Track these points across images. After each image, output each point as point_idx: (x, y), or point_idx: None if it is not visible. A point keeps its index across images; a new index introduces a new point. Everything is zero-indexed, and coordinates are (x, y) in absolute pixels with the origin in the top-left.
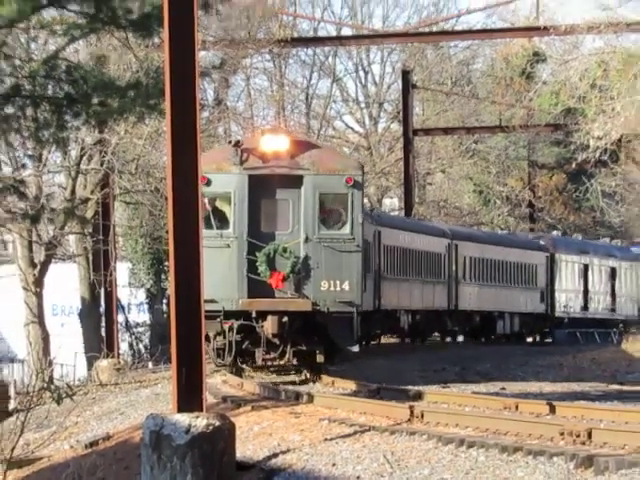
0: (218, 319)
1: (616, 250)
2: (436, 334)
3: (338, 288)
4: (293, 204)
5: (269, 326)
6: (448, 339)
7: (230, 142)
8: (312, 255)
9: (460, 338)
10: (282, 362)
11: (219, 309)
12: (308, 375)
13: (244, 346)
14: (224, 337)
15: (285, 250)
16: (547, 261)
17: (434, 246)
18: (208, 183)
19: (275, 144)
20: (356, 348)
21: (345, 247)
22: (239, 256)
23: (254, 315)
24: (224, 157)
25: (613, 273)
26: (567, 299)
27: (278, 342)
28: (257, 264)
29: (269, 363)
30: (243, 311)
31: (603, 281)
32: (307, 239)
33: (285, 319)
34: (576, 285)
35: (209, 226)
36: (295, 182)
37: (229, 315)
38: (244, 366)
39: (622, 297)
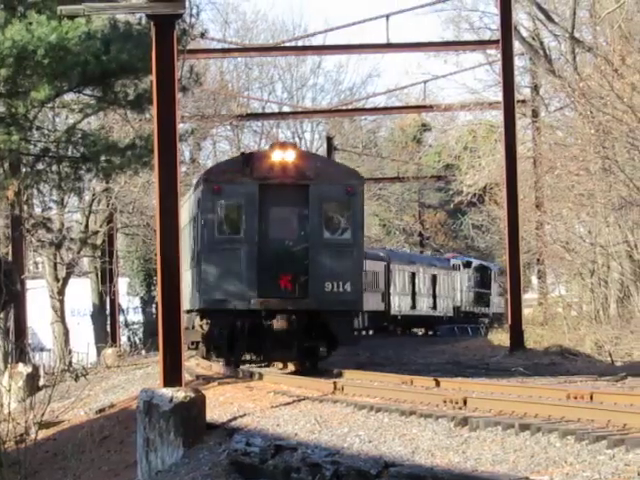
0: (230, 317)
1: (436, 261)
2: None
3: (341, 289)
4: (299, 212)
5: (279, 324)
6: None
7: (242, 154)
8: (317, 259)
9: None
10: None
11: (232, 308)
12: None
13: (254, 342)
14: (236, 334)
15: (293, 254)
16: (385, 269)
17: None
18: (221, 192)
19: (283, 156)
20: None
21: (347, 251)
22: (250, 260)
23: (264, 314)
24: (235, 168)
25: (434, 279)
26: (399, 300)
27: (286, 339)
28: (266, 267)
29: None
30: (254, 310)
31: (426, 285)
32: (312, 244)
33: (293, 318)
34: (406, 289)
35: (222, 232)
36: (301, 191)
37: (240, 314)
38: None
39: (441, 298)
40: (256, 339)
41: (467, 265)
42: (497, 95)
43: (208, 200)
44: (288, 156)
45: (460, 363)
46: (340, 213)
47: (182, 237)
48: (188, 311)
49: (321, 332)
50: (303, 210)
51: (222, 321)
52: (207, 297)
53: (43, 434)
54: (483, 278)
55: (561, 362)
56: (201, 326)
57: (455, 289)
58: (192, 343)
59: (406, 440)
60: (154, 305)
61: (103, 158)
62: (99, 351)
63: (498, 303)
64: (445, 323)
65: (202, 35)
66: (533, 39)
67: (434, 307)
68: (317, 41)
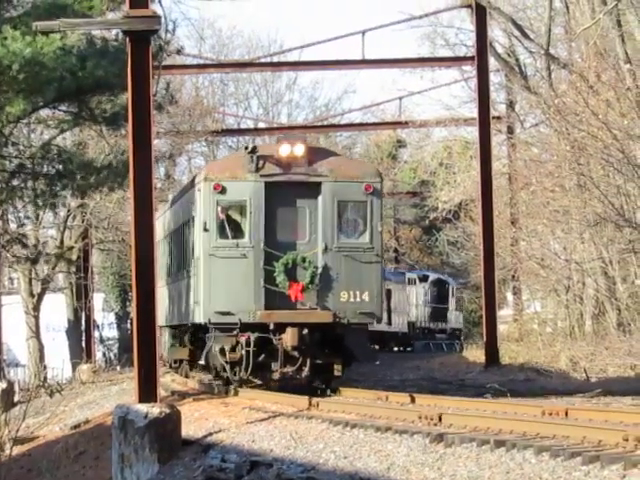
0: (234, 332)
1: (391, 275)
2: None
3: (358, 299)
4: (311, 212)
5: (288, 339)
6: None
7: (246, 148)
8: (331, 265)
9: None
10: (299, 376)
11: (235, 322)
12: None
13: (260, 359)
14: (239, 350)
15: (304, 260)
16: None
17: None
18: (223, 191)
19: (292, 150)
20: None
21: (365, 257)
22: (256, 266)
23: (272, 327)
24: (239, 164)
25: (389, 294)
26: None
27: (297, 355)
28: (275, 274)
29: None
30: (260, 323)
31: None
32: (326, 248)
33: (305, 331)
34: None
35: (224, 236)
36: (313, 189)
37: (245, 327)
38: (258, 381)
39: (396, 313)
40: (263, 356)
41: (423, 279)
42: (472, 111)
43: (207, 200)
44: (297, 150)
45: (435, 379)
46: (357, 214)
47: (162, 247)
48: (175, 326)
49: (336, 347)
50: (315, 210)
51: (223, 337)
52: (207, 309)
53: (18, 450)
54: (440, 292)
55: (536, 378)
56: (192, 342)
57: (410, 304)
58: (175, 362)
59: (381, 456)
60: (129, 321)
61: (78, 176)
62: (74, 367)
63: (456, 318)
64: (400, 339)
65: (178, 52)
66: (509, 55)
67: (389, 323)
68: (293, 57)
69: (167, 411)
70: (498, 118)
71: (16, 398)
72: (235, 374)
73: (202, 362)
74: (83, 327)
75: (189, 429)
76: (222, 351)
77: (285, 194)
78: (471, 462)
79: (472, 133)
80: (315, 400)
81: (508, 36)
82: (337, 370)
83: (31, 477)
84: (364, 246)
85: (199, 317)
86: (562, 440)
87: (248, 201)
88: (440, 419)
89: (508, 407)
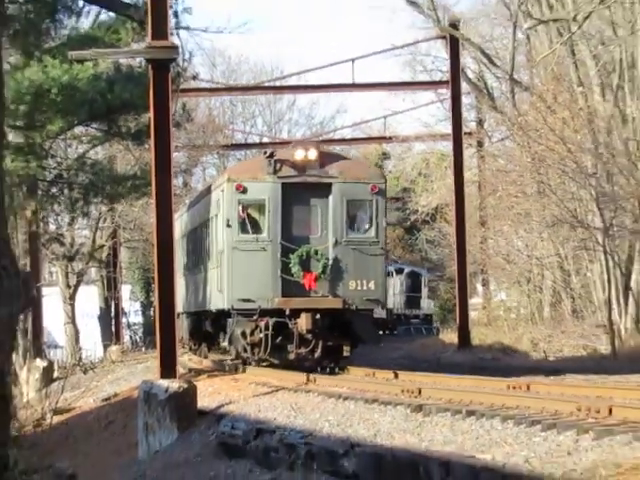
0: (254, 316)
1: None
2: None
3: (365, 287)
4: (322, 210)
5: (303, 323)
6: None
7: (264, 153)
8: (341, 257)
9: None
10: (312, 356)
11: (255, 307)
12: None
13: (277, 342)
14: (259, 334)
15: (316, 252)
16: None
17: None
18: (244, 191)
19: (306, 155)
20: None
21: (371, 250)
22: (274, 258)
23: (288, 313)
24: (259, 167)
25: None
26: None
27: (310, 338)
28: (290, 265)
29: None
30: (277, 309)
31: None
32: (336, 242)
33: (317, 316)
34: None
35: (245, 231)
36: (324, 189)
37: (264, 313)
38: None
39: None
40: (280, 338)
41: (399, 271)
42: (447, 128)
43: (230, 199)
44: (310, 155)
45: (416, 358)
46: (364, 211)
47: (185, 242)
48: (195, 313)
49: (345, 331)
50: (326, 208)
51: (245, 321)
52: (230, 296)
53: (57, 419)
54: (414, 283)
55: (502, 357)
56: (213, 326)
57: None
58: (195, 344)
59: (369, 424)
60: (152, 309)
61: (108, 187)
62: (105, 348)
63: (428, 306)
64: (379, 324)
65: (194, 77)
66: (478, 80)
67: None
68: (292, 81)
69: (185, 386)
70: (469, 134)
71: (55, 375)
72: (254, 354)
73: (225, 343)
74: (112, 314)
75: (204, 401)
76: (243, 334)
77: (299, 194)
78: (446, 429)
79: (447, 147)
80: (312, 376)
81: (478, 63)
82: (346, 351)
83: (68, 443)
84: (370, 240)
85: (223, 304)
86: (524, 410)
87: (267, 200)
88: (420, 392)
89: (478, 382)
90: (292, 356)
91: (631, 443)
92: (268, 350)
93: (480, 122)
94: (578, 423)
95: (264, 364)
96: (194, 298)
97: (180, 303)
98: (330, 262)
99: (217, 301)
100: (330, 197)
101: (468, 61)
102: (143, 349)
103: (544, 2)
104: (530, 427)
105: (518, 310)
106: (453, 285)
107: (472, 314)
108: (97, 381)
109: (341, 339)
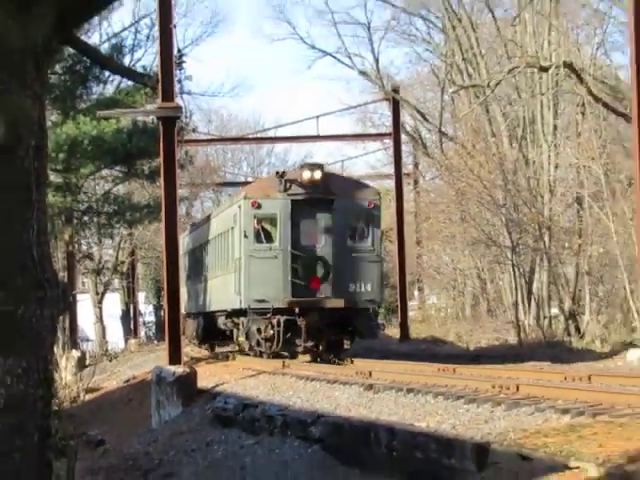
0: (268, 315)
1: None
2: None
3: (363, 289)
4: (326, 222)
5: (310, 320)
6: None
7: (277, 173)
8: (342, 263)
9: None
10: (317, 349)
11: (269, 307)
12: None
13: (287, 337)
14: (272, 329)
15: (321, 259)
16: None
17: None
18: (259, 207)
19: (312, 175)
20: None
21: (368, 257)
22: (284, 264)
23: (297, 311)
24: (271, 185)
25: None
26: None
27: (316, 333)
28: (299, 271)
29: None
30: (288, 308)
31: None
32: (338, 250)
33: (322, 314)
34: None
35: (259, 241)
36: (328, 205)
37: (276, 312)
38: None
39: None
40: (290, 334)
41: None
42: (390, 170)
43: (247, 213)
44: (316, 175)
45: (368, 348)
46: (362, 224)
47: (206, 251)
48: (207, 313)
49: (345, 327)
50: (330, 221)
51: (260, 319)
52: (247, 297)
53: (88, 397)
54: None
55: (434, 347)
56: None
57: None
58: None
59: (331, 400)
60: (162, 310)
61: (128, 214)
62: (126, 341)
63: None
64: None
65: (194, 130)
66: (414, 132)
67: None
68: (270, 133)
69: (188, 370)
70: (408, 174)
71: (87, 362)
72: (269, 348)
73: (242, 338)
74: (131, 315)
75: (202, 382)
76: (258, 330)
77: (306, 209)
78: (391, 403)
79: (390, 184)
80: (287, 362)
81: (414, 119)
82: (346, 344)
83: (98, 415)
84: (367, 249)
85: (240, 304)
86: (451, 388)
87: (278, 214)
88: (370, 374)
89: (415, 366)
90: (300, 349)
91: (534, 413)
92: (280, 344)
93: (416, 165)
94: (493, 398)
95: (251, 353)
96: (202, 301)
97: (187, 305)
98: (333, 267)
99: (234, 301)
100: (333, 211)
101: (407, 118)
102: (155, 342)
103: (465, 72)
104: (456, 401)
105: (446, 310)
106: (395, 291)
107: (410, 314)
108: (119, 367)
109: (342, 334)
